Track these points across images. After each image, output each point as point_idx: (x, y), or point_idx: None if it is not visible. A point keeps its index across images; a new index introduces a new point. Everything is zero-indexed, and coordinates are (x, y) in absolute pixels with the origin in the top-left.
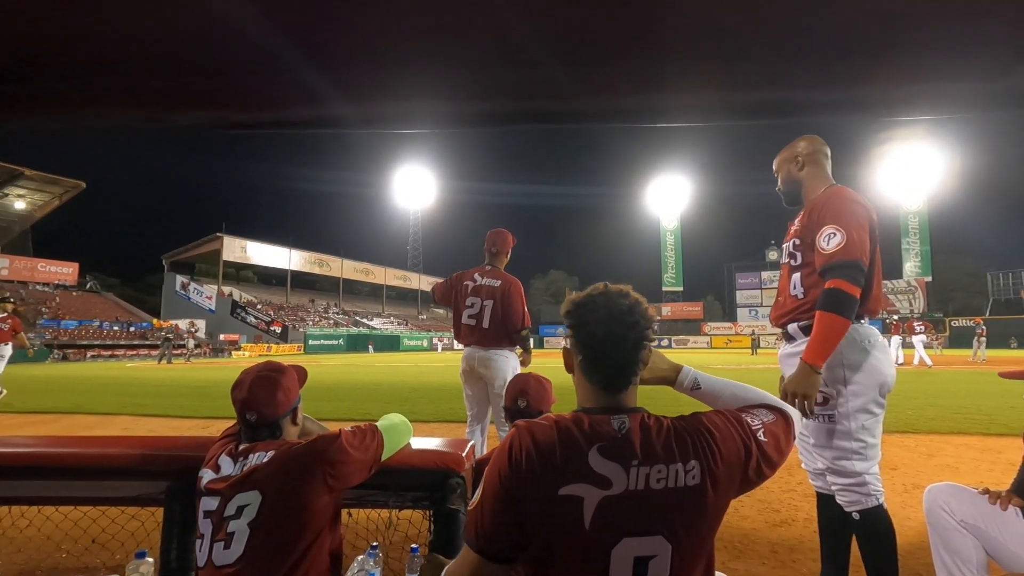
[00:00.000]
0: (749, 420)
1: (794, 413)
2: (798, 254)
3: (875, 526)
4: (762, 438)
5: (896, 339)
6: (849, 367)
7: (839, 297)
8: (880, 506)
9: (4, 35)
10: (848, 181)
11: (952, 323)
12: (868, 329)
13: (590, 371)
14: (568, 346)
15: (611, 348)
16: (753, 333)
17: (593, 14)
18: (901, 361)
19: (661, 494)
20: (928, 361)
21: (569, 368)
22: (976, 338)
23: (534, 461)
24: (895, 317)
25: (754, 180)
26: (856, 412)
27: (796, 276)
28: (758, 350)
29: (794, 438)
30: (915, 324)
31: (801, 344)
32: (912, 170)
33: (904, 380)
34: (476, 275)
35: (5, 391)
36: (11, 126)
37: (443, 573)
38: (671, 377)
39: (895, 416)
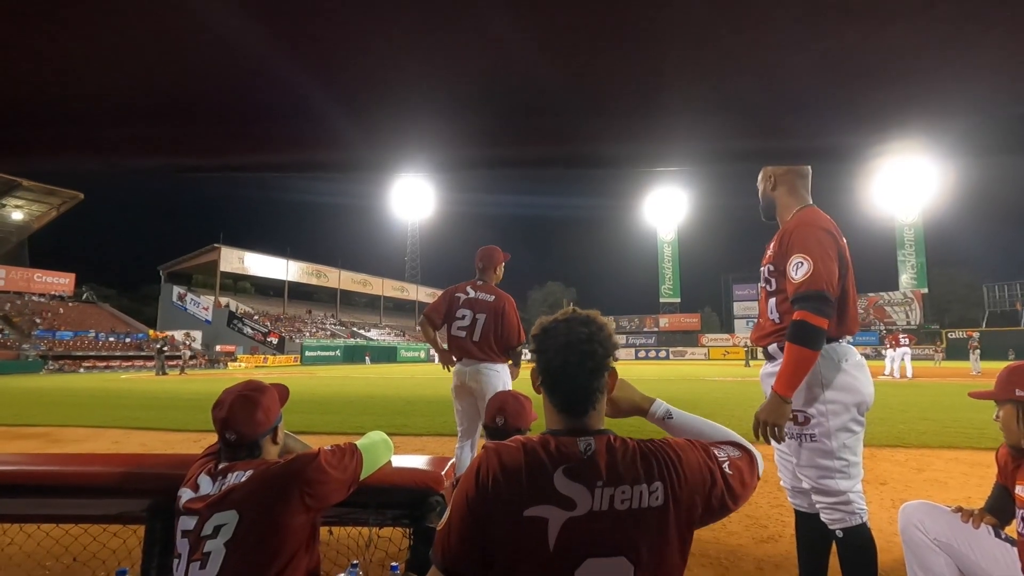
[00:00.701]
0: (716, 452)
1: (759, 456)
2: (772, 280)
3: (858, 543)
4: (727, 470)
5: (891, 352)
6: (827, 386)
7: (805, 330)
8: (863, 524)
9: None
10: (843, 194)
11: (948, 335)
12: (844, 348)
13: (550, 395)
14: (534, 368)
15: (565, 375)
16: (746, 344)
17: (594, 62)
18: (897, 375)
19: (625, 515)
20: (909, 373)
21: (536, 389)
22: (972, 351)
23: (500, 483)
24: (887, 330)
25: (752, 191)
26: (837, 431)
27: (772, 301)
28: (751, 361)
29: (758, 477)
30: (900, 336)
31: (780, 363)
32: (907, 182)
33: (896, 394)
34: (468, 288)
35: None
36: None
37: None
38: (644, 407)
39: (886, 430)
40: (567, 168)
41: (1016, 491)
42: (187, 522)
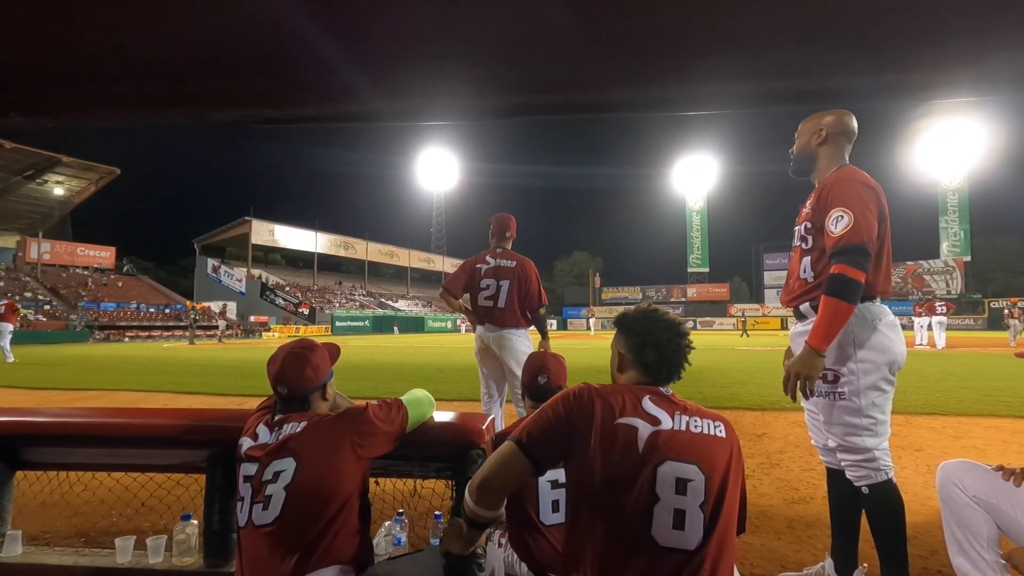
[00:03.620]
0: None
1: None
2: (809, 237)
3: (884, 500)
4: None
5: (924, 320)
6: (859, 345)
7: (843, 282)
8: (889, 480)
9: (62, 43)
10: (884, 157)
11: (992, 304)
12: (879, 308)
13: (648, 367)
14: (623, 351)
15: (670, 350)
16: (743, 315)
17: (624, 9)
18: (926, 344)
19: (698, 436)
20: (940, 343)
21: (621, 368)
22: (1010, 319)
23: (597, 399)
24: (927, 297)
25: (783, 159)
26: (866, 389)
27: (807, 260)
28: (748, 333)
29: None
30: (936, 304)
31: (812, 323)
32: (952, 146)
33: (933, 363)
34: (488, 257)
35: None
36: (71, 126)
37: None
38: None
39: (923, 399)
40: (585, 114)
41: None
42: (248, 468)
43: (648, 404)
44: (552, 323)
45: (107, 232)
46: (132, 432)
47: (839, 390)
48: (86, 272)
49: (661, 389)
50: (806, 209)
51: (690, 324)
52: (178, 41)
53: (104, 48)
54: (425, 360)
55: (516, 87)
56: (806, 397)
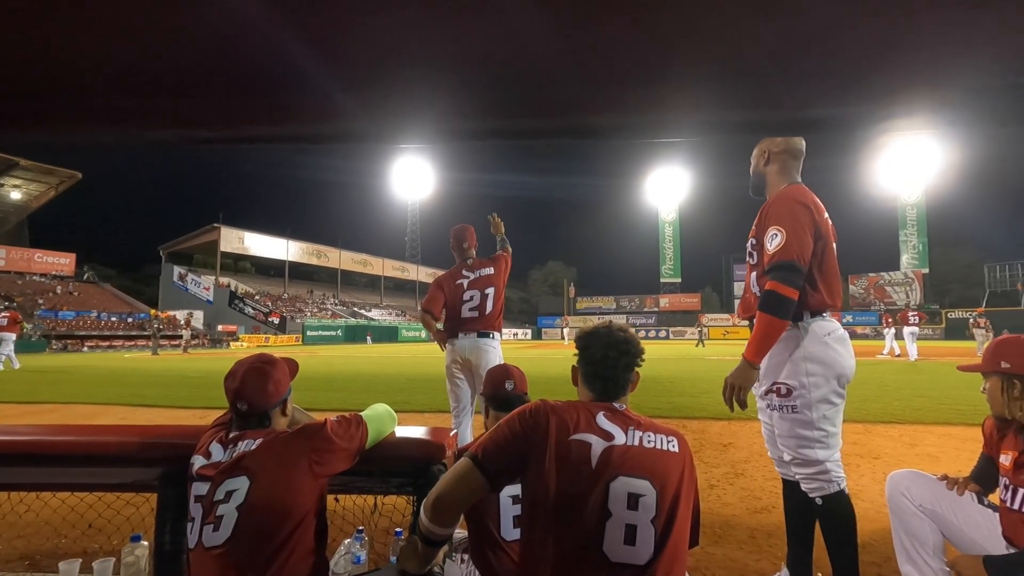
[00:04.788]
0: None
1: None
2: (755, 253)
3: (836, 510)
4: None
5: (891, 331)
6: (810, 359)
7: (775, 299)
8: (841, 491)
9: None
10: (848, 173)
11: (948, 315)
12: (828, 322)
13: (591, 383)
14: (576, 365)
15: (606, 367)
16: (700, 325)
17: (594, 32)
18: (899, 353)
19: (650, 451)
20: (913, 355)
21: (575, 381)
22: (975, 328)
23: (552, 415)
24: (886, 308)
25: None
26: (817, 402)
27: (754, 275)
28: (705, 342)
29: None
30: (909, 315)
31: None
32: (911, 161)
33: (894, 373)
34: (464, 271)
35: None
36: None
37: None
38: None
39: (882, 407)
40: (567, 139)
41: (1000, 460)
42: (200, 488)
43: (602, 420)
44: (527, 332)
45: (68, 238)
46: (79, 450)
47: (791, 403)
48: (44, 279)
49: (615, 404)
50: (752, 226)
51: (663, 334)
52: (131, 53)
53: (48, 56)
54: (397, 371)
55: (499, 111)
56: (742, 407)
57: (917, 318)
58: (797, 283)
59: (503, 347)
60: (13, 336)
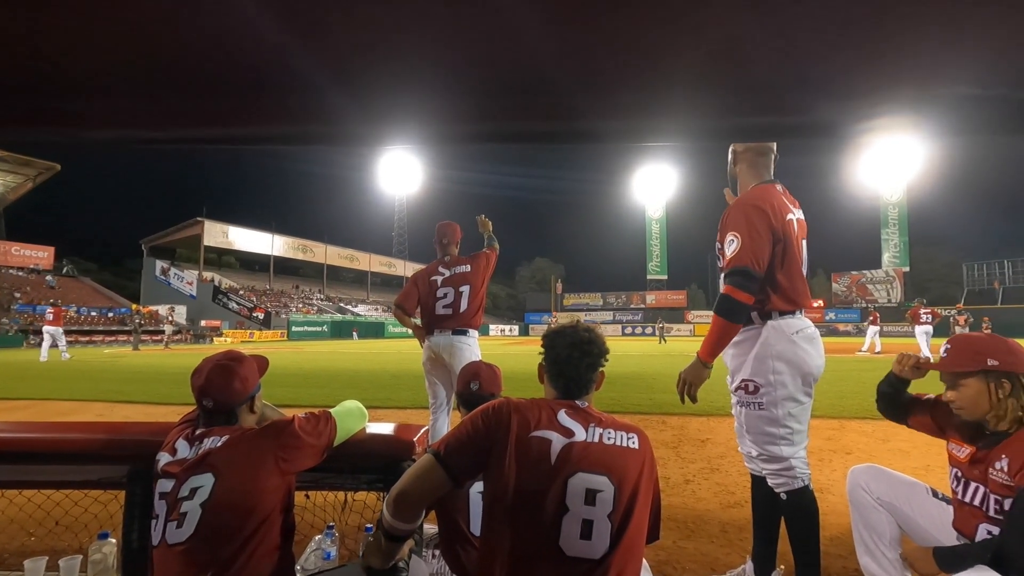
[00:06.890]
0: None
1: None
2: (720, 257)
3: (800, 506)
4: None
5: (873, 328)
6: (777, 357)
7: (728, 302)
8: (806, 487)
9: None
10: (830, 173)
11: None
12: (797, 321)
13: (555, 381)
14: (542, 363)
15: (569, 366)
16: (660, 322)
17: (588, 38)
18: (879, 350)
19: (610, 448)
20: (925, 352)
21: (541, 379)
22: (956, 326)
23: (514, 413)
24: (872, 306)
25: None
26: (783, 400)
27: (721, 277)
28: (666, 338)
29: None
30: (921, 312)
31: (739, 334)
32: (893, 162)
33: (872, 370)
34: (440, 268)
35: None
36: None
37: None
38: None
39: (857, 403)
40: (560, 143)
41: (949, 448)
42: (165, 484)
43: (563, 417)
44: (514, 329)
45: (46, 231)
46: (46, 448)
47: (758, 400)
48: (21, 273)
49: (577, 402)
50: (718, 231)
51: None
52: (120, 54)
53: (29, 56)
54: (382, 367)
55: (497, 114)
56: (693, 402)
57: (930, 316)
58: (750, 287)
59: (490, 344)
60: (61, 329)
